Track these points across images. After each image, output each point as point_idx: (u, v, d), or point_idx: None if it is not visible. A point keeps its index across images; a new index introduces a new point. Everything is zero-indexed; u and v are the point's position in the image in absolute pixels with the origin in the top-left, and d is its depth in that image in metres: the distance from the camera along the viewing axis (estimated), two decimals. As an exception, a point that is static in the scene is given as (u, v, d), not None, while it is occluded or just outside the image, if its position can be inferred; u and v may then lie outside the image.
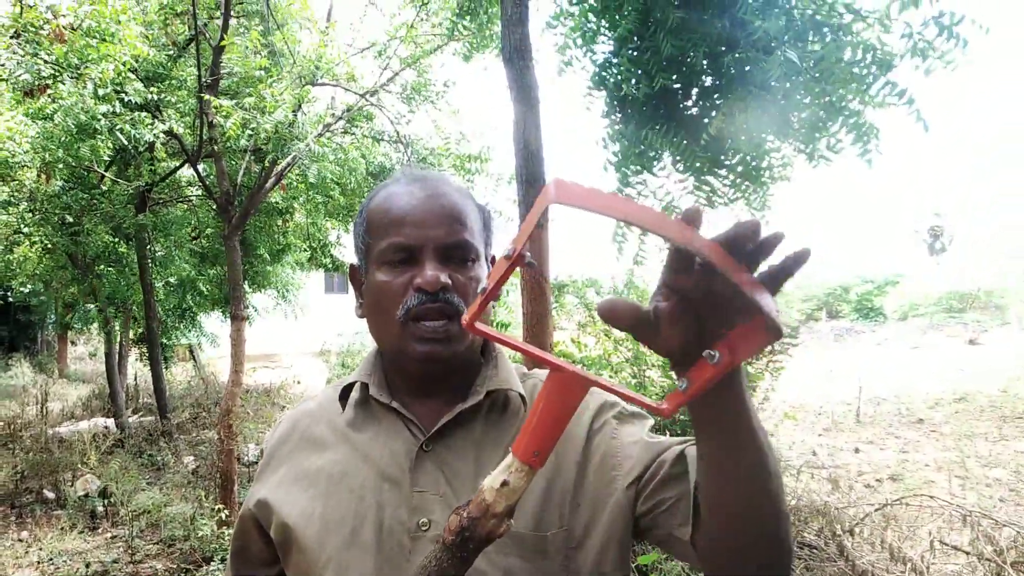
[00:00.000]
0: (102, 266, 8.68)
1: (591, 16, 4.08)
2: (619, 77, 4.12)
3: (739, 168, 4.48)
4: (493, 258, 1.03)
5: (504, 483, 0.68)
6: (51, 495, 5.89)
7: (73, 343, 21.65)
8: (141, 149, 7.64)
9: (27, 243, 8.63)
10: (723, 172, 4.50)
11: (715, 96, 4.27)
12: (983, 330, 19.34)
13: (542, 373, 1.05)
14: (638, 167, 4.40)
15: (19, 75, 5.59)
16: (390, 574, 0.88)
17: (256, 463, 6.49)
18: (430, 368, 0.95)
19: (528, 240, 0.64)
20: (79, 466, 6.35)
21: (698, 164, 4.37)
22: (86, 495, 5.77)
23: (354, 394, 1.03)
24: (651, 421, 1.00)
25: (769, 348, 4.61)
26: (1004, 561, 3.46)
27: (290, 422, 1.08)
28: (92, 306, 9.28)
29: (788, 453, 6.78)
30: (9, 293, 15.79)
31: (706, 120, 4.32)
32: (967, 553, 3.83)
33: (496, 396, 0.98)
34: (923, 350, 16.77)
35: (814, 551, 3.93)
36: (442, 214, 0.93)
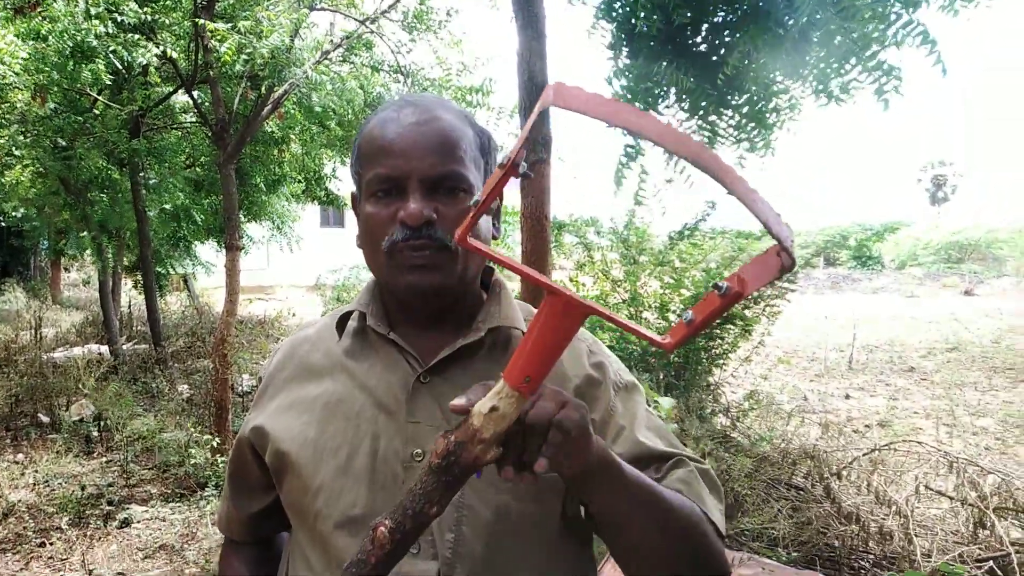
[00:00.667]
0: (94, 192, 8.55)
1: (603, -57, 3.93)
2: (628, 10, 3.99)
3: (745, 109, 4.38)
4: None
5: (493, 408, 0.66)
6: (46, 419, 5.93)
7: (66, 269, 21.61)
8: (135, 73, 7.45)
9: (19, 166, 8.48)
10: (729, 113, 4.41)
11: (726, 33, 4.14)
12: (980, 281, 19.42)
13: None
14: (643, 105, 4.30)
15: (8, -9, 5.38)
16: (383, 502, 0.87)
17: (250, 393, 6.53)
18: (417, 299, 0.93)
19: (524, 148, 0.61)
20: (74, 391, 6.37)
21: (704, 104, 4.27)
22: (80, 420, 5.81)
23: (352, 323, 1.00)
24: (643, 394, 1.03)
25: (768, 290, 4.60)
26: (987, 507, 3.52)
27: (288, 349, 1.07)
28: (85, 233, 9.20)
29: (780, 397, 6.85)
30: (1, 218, 15.63)
31: (715, 58, 4.21)
32: (951, 498, 3.89)
33: (498, 334, 0.96)
34: (919, 299, 16.85)
35: (801, 492, 3.99)
36: (430, 143, 0.89)
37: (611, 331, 4.74)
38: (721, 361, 4.84)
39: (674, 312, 4.80)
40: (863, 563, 3.35)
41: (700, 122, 4.47)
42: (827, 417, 5.80)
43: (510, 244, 6.49)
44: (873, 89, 3.53)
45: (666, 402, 2.18)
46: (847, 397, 7.44)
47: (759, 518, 3.41)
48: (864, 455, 4.40)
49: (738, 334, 4.68)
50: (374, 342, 0.97)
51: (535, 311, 1.02)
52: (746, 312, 4.59)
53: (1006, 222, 22.81)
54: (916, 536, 3.38)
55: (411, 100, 0.94)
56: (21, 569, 3.53)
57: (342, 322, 1.01)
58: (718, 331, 4.63)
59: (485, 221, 0.94)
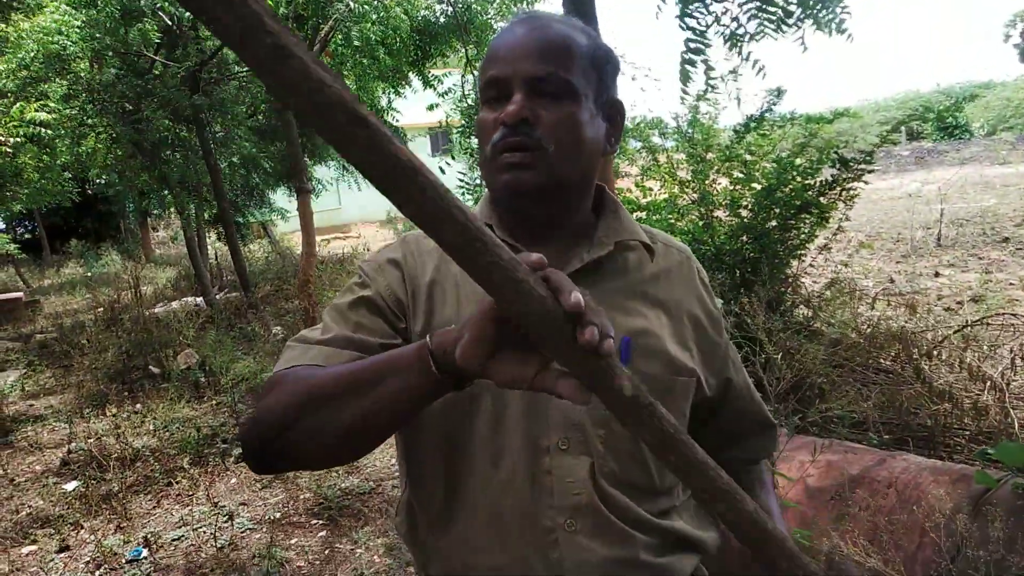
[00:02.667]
0: (166, 151, 8.85)
1: None
2: None
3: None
4: (615, 105, 0.98)
5: None
6: (156, 370, 6.35)
7: (154, 228, 22.60)
8: (186, 28, 7.57)
9: (93, 135, 8.84)
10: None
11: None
12: (1079, 139, 18.05)
13: (664, 236, 1.08)
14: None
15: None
16: (528, 411, 0.90)
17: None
18: (515, 200, 0.93)
19: None
20: (178, 342, 6.77)
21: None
22: (188, 368, 6.20)
23: None
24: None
25: (844, 173, 4.42)
26: (1091, 374, 3.40)
27: (433, 264, 0.99)
28: (165, 192, 9.57)
29: (865, 282, 6.67)
30: (87, 186, 16.39)
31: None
32: (1051, 368, 3.77)
33: (622, 248, 0.98)
34: (1012, 166, 15.84)
35: (890, 376, 3.93)
36: (535, 47, 0.89)
37: (682, 233, 4.68)
38: (799, 252, 4.72)
39: (746, 207, 4.68)
40: (958, 440, 3.31)
41: (760, 2, 4.24)
42: (915, 298, 5.62)
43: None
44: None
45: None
46: (936, 275, 7.17)
47: (844, 402, 3.39)
48: (955, 332, 4.27)
49: (814, 222, 4.53)
50: None
51: (649, 229, 1.05)
52: (821, 199, 4.44)
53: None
54: (1013, 409, 3.31)
55: (533, 14, 0.96)
56: (154, 507, 3.87)
57: None
58: (792, 222, 4.50)
59: (594, 126, 0.93)
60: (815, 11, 4.22)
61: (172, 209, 10.66)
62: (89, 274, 15.43)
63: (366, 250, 12.42)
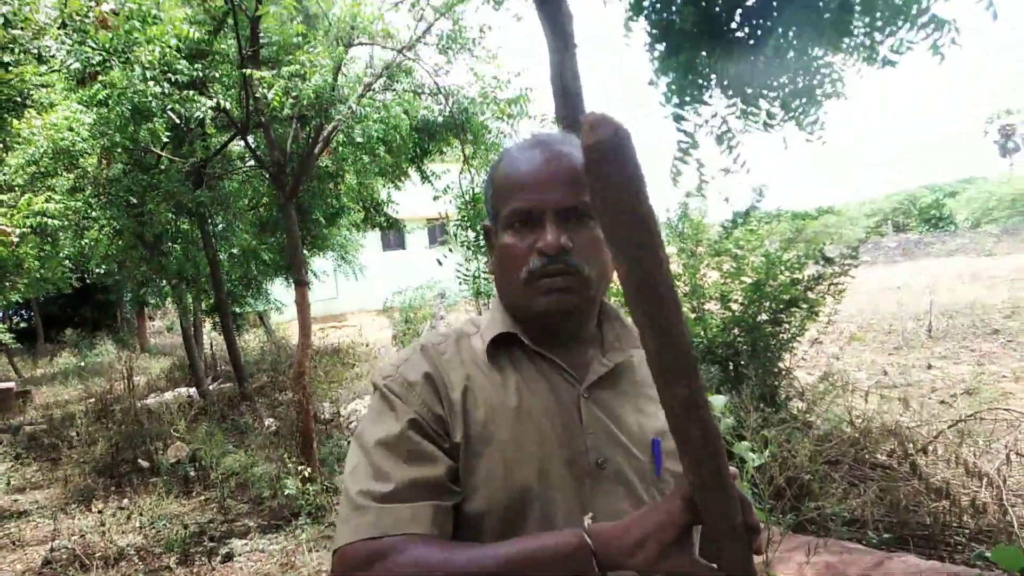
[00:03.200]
0: (167, 243, 8.99)
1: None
2: (661, 4, 4.00)
3: (788, 88, 4.33)
4: None
5: None
6: (145, 464, 6.26)
7: (151, 318, 22.63)
8: (193, 126, 7.82)
9: (96, 227, 8.99)
10: (774, 94, 4.36)
11: (762, 16, 4.11)
12: (1062, 231, 18.45)
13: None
14: (689, 98, 4.30)
15: (70, 64, 5.73)
16: (575, 507, 0.94)
17: (332, 420, 6.70)
18: (554, 320, 1.00)
19: None
20: (168, 434, 6.70)
21: (747, 89, 4.24)
22: (177, 461, 6.11)
23: (486, 346, 1.04)
24: None
25: (829, 268, 4.52)
26: (1087, 469, 3.39)
27: (459, 373, 1.03)
28: (163, 282, 9.66)
29: (858, 375, 6.68)
30: (86, 275, 16.51)
31: (752, 42, 4.18)
32: (1048, 463, 3.76)
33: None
34: (998, 258, 16.12)
35: (887, 471, 3.91)
36: (560, 177, 0.97)
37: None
38: (791, 345, 4.77)
39: (736, 301, 4.76)
40: (958, 538, 3.26)
41: (745, 105, 4.44)
42: (908, 391, 5.63)
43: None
44: (927, 46, 3.47)
45: (718, 400, 2.18)
46: (929, 367, 7.20)
47: (839, 498, 3.36)
48: (950, 427, 4.27)
49: (805, 316, 4.60)
50: (522, 360, 1.03)
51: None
52: (809, 294, 4.52)
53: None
54: (1011, 507, 3.29)
55: (541, 139, 1.03)
56: (139, 607, 3.76)
57: (495, 344, 1.04)
58: (783, 315, 4.57)
59: None
60: (796, 114, 4.43)
61: (168, 299, 10.73)
62: (83, 364, 15.36)
63: (364, 345, 12.41)
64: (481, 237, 5.45)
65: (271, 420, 7.45)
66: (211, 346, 12.35)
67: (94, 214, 8.40)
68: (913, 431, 4.30)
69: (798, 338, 4.74)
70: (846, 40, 3.96)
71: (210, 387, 9.42)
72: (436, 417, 0.97)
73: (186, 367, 10.63)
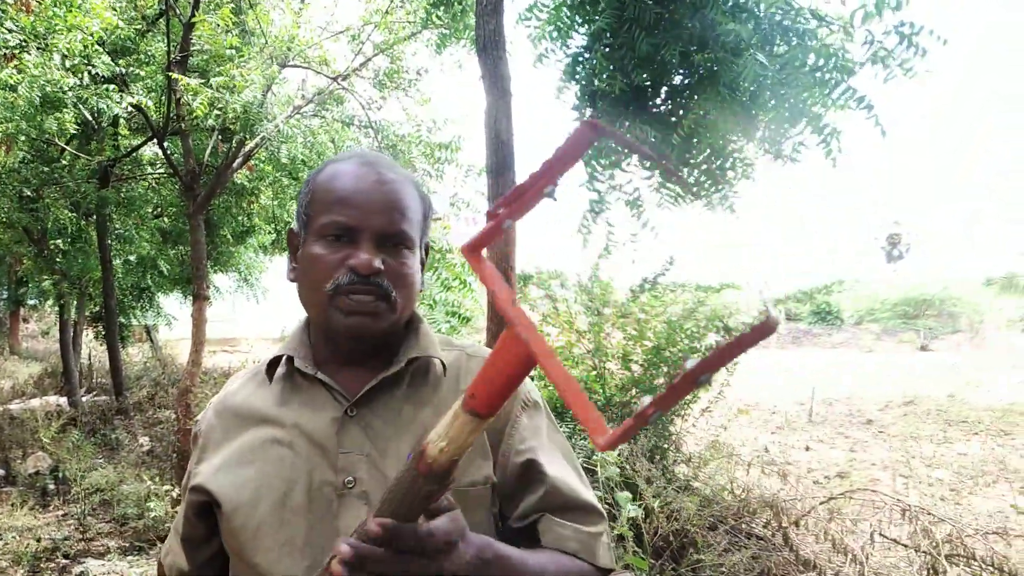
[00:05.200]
0: (60, 241, 8.50)
1: (565, 11, 4.13)
2: (591, 71, 4.19)
3: (703, 167, 4.58)
4: (427, 247, 1.08)
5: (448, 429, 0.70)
6: (0, 472, 5.79)
7: (25, 320, 21.14)
8: (105, 124, 7.51)
9: (-18, 215, 8.44)
10: (688, 171, 4.60)
11: (685, 94, 4.36)
12: (934, 336, 19.93)
13: (470, 345, 1.12)
14: (607, 161, 4.47)
15: (-17, 43, 5.44)
16: (320, 532, 0.94)
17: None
18: (353, 342, 1.01)
19: (558, 176, 0.61)
20: (30, 443, 6.24)
21: (665, 162, 4.45)
22: (37, 472, 5.68)
23: (280, 368, 1.06)
24: (547, 413, 1.12)
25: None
26: (939, 553, 3.61)
27: (218, 407, 1.10)
28: (47, 281, 9.10)
29: (741, 449, 6.93)
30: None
31: (674, 119, 4.42)
32: (905, 546, 3.98)
33: (418, 363, 1.04)
34: (876, 354, 17.22)
35: (761, 541, 4.05)
36: (385, 201, 0.97)
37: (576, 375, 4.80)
38: (683, 411, 4.92)
39: (636, 363, 4.89)
40: (821, 610, 3.40)
41: (661, 179, 4.66)
42: (787, 468, 5.89)
43: (476, 296, 6.58)
44: (821, 149, 3.74)
45: (626, 503, 2.27)
46: (807, 449, 7.56)
47: (716, 555, 3.46)
48: (821, 504, 4.48)
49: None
50: (301, 383, 1.03)
51: (454, 342, 1.13)
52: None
53: (957, 276, 23.61)
54: (871, 582, 3.46)
55: (369, 159, 1.02)
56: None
57: (271, 366, 1.06)
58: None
59: (419, 270, 1.03)
60: (708, 192, 4.68)
61: (49, 301, 10.09)
62: (-59, 361, 14.15)
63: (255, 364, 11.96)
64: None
65: (146, 438, 7.04)
66: (89, 356, 11.63)
67: (-18, 202, 7.89)
68: (788, 504, 4.48)
69: (691, 405, 4.90)
70: (755, 131, 4.25)
71: (83, 398, 8.83)
72: (197, 490, 1.02)
73: (59, 374, 9.96)
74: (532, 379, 1.12)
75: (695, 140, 4.28)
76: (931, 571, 3.57)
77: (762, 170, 4.62)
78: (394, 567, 0.73)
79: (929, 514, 4.21)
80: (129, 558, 4.27)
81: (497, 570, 0.86)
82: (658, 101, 4.45)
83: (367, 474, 0.95)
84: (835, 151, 3.67)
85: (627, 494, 2.37)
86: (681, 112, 4.31)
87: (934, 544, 3.72)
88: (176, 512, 1.11)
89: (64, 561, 4.17)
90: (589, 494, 1.06)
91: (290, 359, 1.04)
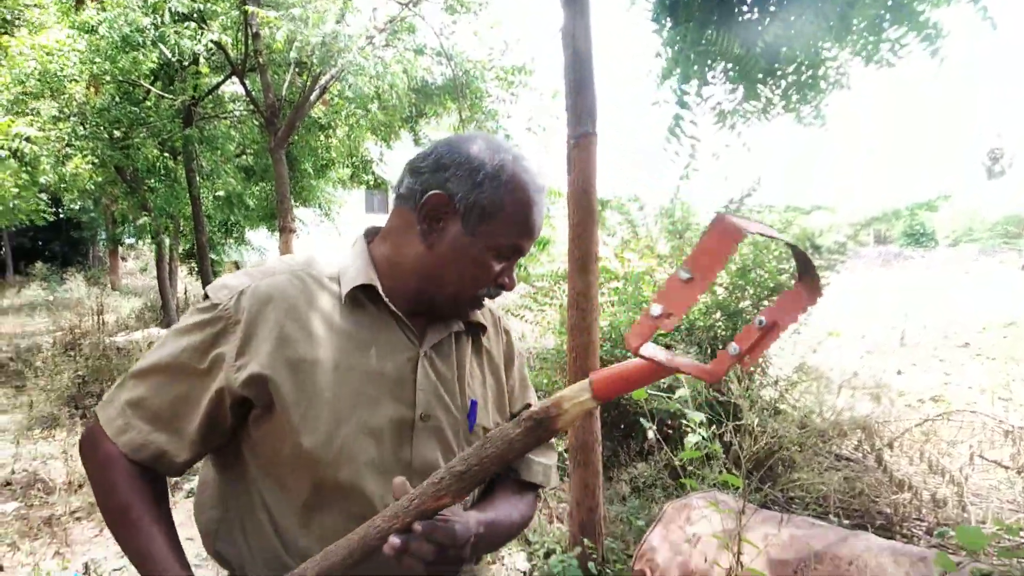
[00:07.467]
0: (152, 180, 8.84)
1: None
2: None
3: (792, 77, 4.33)
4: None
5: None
6: (113, 397, 6.19)
7: (124, 259, 22.31)
8: (186, 63, 7.67)
9: (78, 157, 8.82)
10: (777, 82, 4.36)
11: (770, 1, 4.09)
12: (1038, 256, 18.80)
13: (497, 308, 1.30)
14: (694, 74, 4.28)
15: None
16: (395, 459, 1.03)
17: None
18: (457, 317, 1.13)
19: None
20: (137, 371, 6.62)
21: (751, 72, 4.22)
22: (144, 398, 6.05)
23: (345, 287, 1.05)
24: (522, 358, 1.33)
25: (817, 260, 4.55)
26: (1046, 476, 3.47)
27: (261, 298, 1.01)
28: (144, 219, 9.51)
29: (830, 373, 6.76)
30: (60, 210, 16.21)
31: (760, 28, 4.16)
32: (1006, 468, 3.84)
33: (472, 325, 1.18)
34: (974, 276, 16.38)
35: (852, 462, 3.97)
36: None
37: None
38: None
39: (721, 286, 4.78)
40: (916, 530, 3.33)
41: (748, 91, 4.43)
42: (878, 391, 5.72)
43: (553, 223, 6.52)
44: (922, 50, 3.48)
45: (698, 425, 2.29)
46: (899, 373, 7.31)
47: (807, 486, 3.41)
48: (916, 425, 4.35)
49: (786, 306, 4.63)
50: (372, 311, 1.06)
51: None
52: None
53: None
54: (971, 504, 3.36)
55: (541, 187, 1.08)
56: (96, 535, 3.73)
57: (353, 291, 1.05)
58: (766, 302, 4.60)
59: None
60: (795, 104, 4.44)
61: (145, 239, 10.57)
62: (51, 298, 15.11)
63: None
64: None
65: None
66: (185, 291, 12.21)
67: (78, 143, 8.23)
68: (881, 426, 4.36)
69: (777, 329, 4.78)
70: (849, 35, 3.96)
71: (182, 330, 9.31)
72: (256, 379, 0.97)
73: (158, 308, 10.52)
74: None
75: (784, 48, 4.04)
76: (1036, 493, 3.44)
77: (856, 77, 4.34)
78: (431, 556, 0.85)
79: (1033, 436, 4.04)
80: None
81: (489, 535, 1.02)
82: (744, 8, 4.20)
83: (438, 412, 1.06)
84: (940, 49, 3.39)
85: (700, 416, 2.35)
86: (768, 19, 4.06)
87: (1039, 466, 3.57)
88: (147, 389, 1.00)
89: (175, 478, 4.46)
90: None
91: (371, 287, 1.06)
